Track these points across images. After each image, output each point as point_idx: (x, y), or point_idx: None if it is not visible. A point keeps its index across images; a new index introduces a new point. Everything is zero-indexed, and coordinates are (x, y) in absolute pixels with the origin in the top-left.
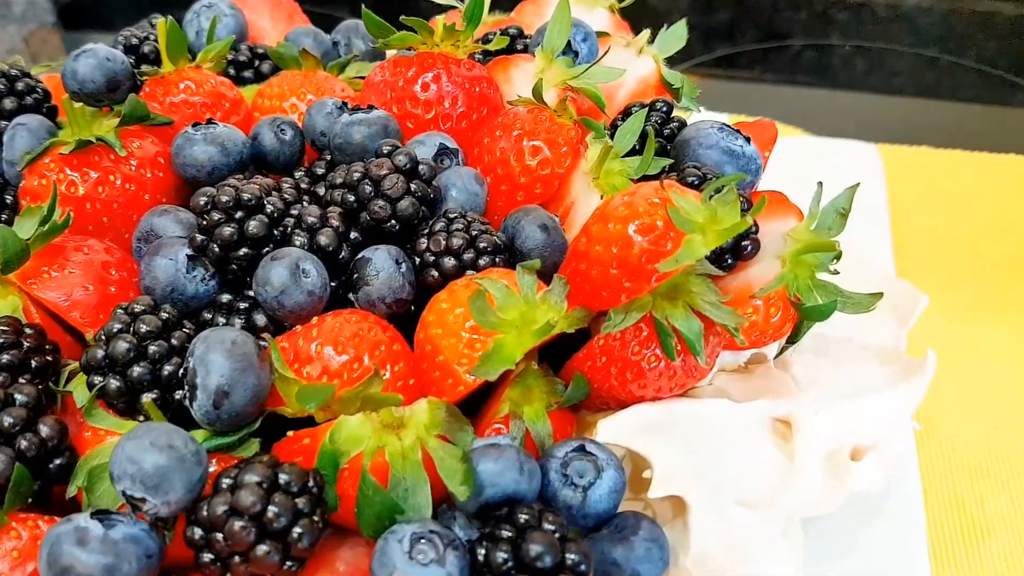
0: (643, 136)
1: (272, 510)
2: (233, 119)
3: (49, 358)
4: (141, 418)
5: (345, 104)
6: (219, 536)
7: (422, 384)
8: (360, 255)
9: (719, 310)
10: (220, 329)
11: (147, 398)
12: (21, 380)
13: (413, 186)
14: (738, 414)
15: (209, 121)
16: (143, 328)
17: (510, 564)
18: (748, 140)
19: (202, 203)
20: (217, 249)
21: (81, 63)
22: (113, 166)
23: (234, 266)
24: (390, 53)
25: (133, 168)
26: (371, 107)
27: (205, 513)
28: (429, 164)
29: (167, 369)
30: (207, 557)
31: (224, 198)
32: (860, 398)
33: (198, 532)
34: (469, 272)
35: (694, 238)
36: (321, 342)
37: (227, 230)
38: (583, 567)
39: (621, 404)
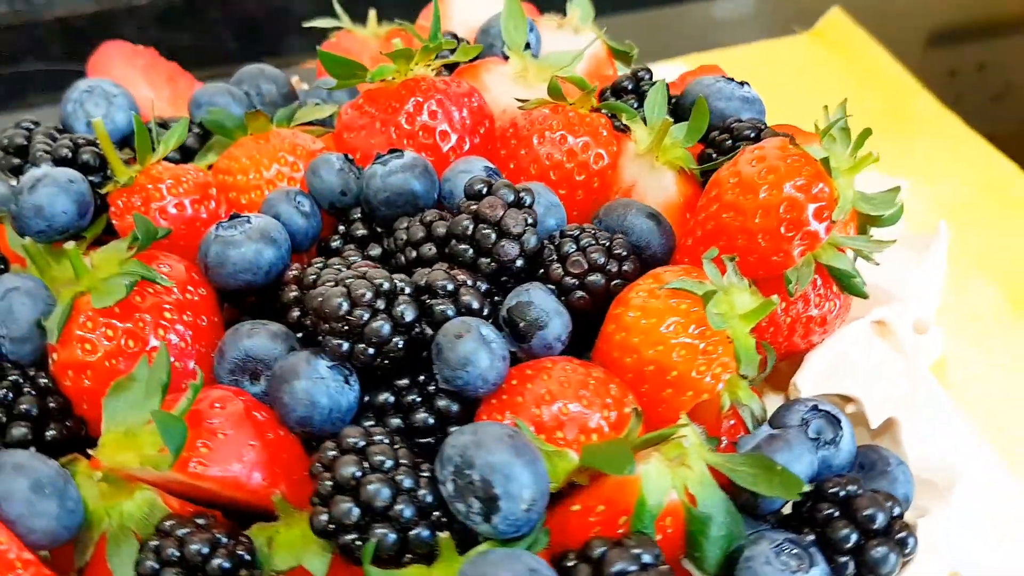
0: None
1: None
2: (222, 209)
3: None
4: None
5: (349, 157)
6: None
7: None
8: (514, 302)
9: (855, 241)
10: (465, 431)
11: (442, 536)
12: None
13: (529, 218)
14: (863, 329)
15: (233, 216)
16: (382, 462)
17: (854, 534)
18: (747, 84)
19: (337, 304)
20: (371, 349)
21: (42, 195)
22: (158, 301)
23: (386, 361)
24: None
25: (180, 297)
26: (397, 151)
27: None
28: (528, 191)
29: (426, 498)
30: None
31: (361, 291)
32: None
33: None
34: (614, 283)
35: (841, 182)
36: (564, 402)
37: (383, 326)
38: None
39: (782, 359)
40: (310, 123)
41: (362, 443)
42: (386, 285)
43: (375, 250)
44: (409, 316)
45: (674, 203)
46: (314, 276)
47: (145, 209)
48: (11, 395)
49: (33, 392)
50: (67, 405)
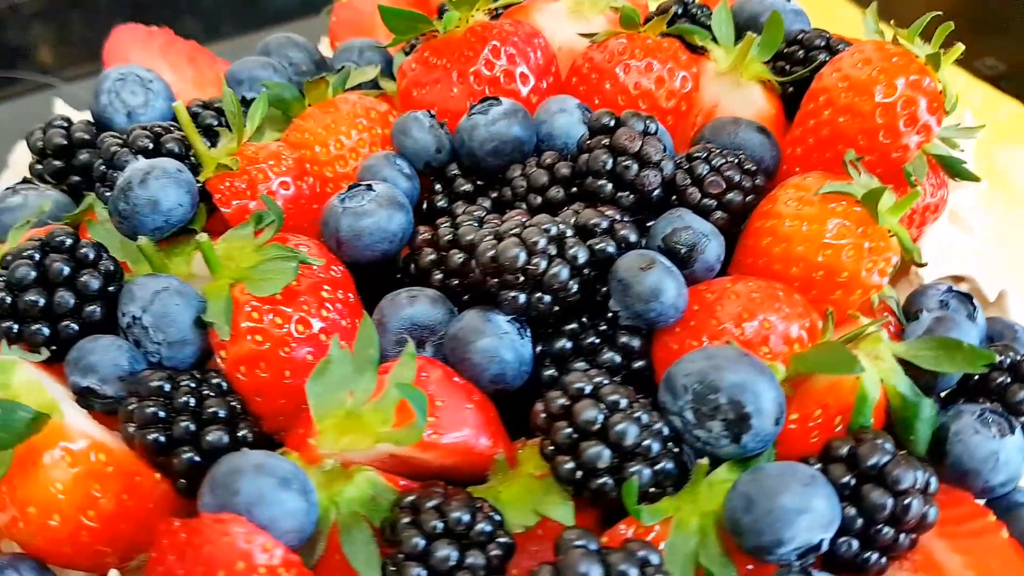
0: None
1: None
2: (315, 181)
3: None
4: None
5: (431, 113)
6: None
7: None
8: (670, 229)
9: (952, 131)
10: (692, 358)
11: (702, 462)
12: None
13: (663, 145)
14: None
15: (351, 187)
16: (617, 402)
17: None
18: None
19: (514, 255)
20: (548, 297)
21: (155, 188)
22: (315, 282)
23: (557, 308)
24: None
25: (327, 276)
26: (492, 99)
27: None
28: (651, 118)
29: (664, 430)
30: None
31: (535, 239)
32: None
33: None
34: (749, 199)
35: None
36: (765, 316)
37: (560, 271)
38: None
39: None
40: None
41: (589, 387)
42: (554, 230)
43: (486, 203)
44: (582, 258)
45: (767, 115)
46: (449, 236)
47: (252, 192)
48: (194, 400)
49: (215, 394)
50: (244, 403)
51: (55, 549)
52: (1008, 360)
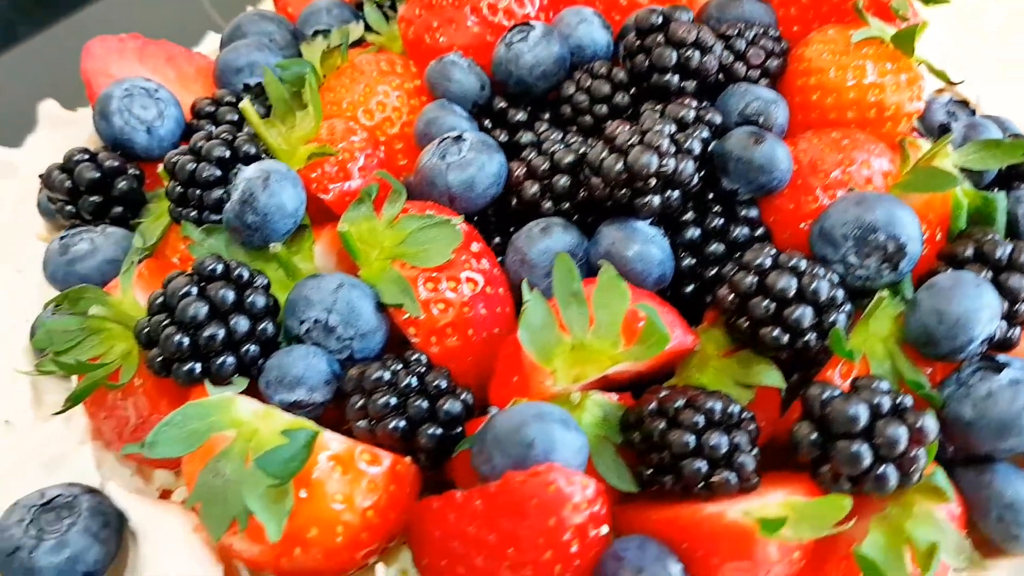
0: None
1: None
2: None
3: None
4: None
5: (460, 54)
6: None
7: None
8: (742, 104)
9: None
10: (842, 207)
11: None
12: None
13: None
14: None
15: (440, 141)
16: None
17: None
18: None
19: (648, 161)
20: (676, 192)
21: (279, 191)
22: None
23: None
24: None
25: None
26: (523, 26)
27: None
28: (683, 8)
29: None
30: None
31: (659, 143)
32: None
33: None
34: (779, 63)
35: None
36: (861, 156)
37: (687, 165)
38: None
39: None
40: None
41: (769, 260)
42: (667, 130)
43: (544, 128)
44: (697, 149)
45: None
46: (546, 165)
47: (344, 174)
48: (416, 380)
49: (426, 369)
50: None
51: (332, 564)
52: None
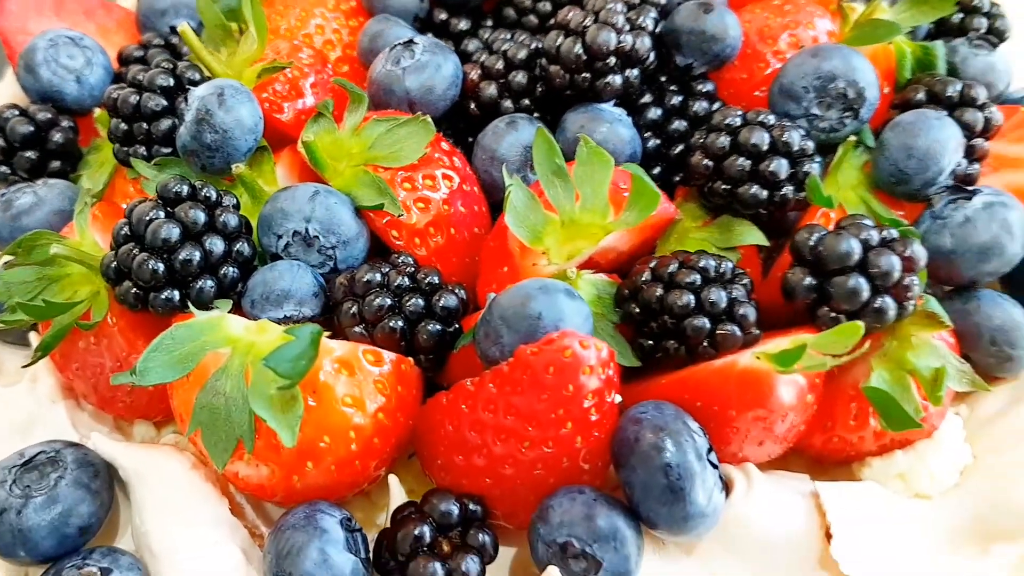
0: None
1: None
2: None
3: None
4: None
5: None
6: None
7: None
8: None
9: None
10: (798, 63)
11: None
12: None
13: None
14: None
15: (393, 47)
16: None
17: None
18: None
19: (606, 38)
20: (636, 71)
21: (236, 106)
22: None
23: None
24: None
25: None
26: None
27: None
28: None
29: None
30: None
31: (614, 19)
32: None
33: None
34: None
35: None
36: (807, 22)
37: (644, 40)
38: None
39: None
40: None
41: (739, 119)
42: (619, 7)
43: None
44: (651, 25)
45: None
46: (501, 64)
47: (296, 91)
48: (407, 279)
49: (414, 268)
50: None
51: (345, 476)
52: None
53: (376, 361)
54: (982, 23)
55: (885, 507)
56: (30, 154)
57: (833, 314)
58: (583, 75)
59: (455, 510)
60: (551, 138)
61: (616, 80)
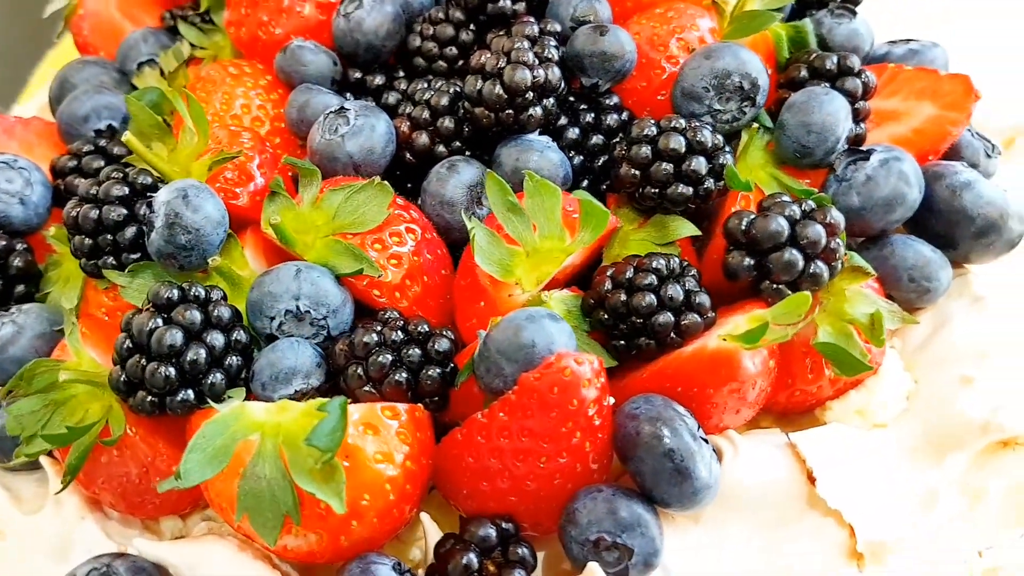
0: None
1: None
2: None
3: None
4: None
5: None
6: None
7: None
8: (574, 6)
9: None
10: (697, 59)
11: None
12: None
13: None
14: None
15: (325, 118)
16: (696, 124)
17: None
18: None
19: (523, 76)
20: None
21: (202, 203)
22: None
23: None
24: None
25: None
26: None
27: None
28: None
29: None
30: None
31: (524, 57)
32: None
33: None
34: None
35: None
36: (689, 24)
37: (555, 71)
38: None
39: None
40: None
41: (654, 129)
42: (525, 45)
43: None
44: (556, 55)
45: None
46: (427, 114)
47: (246, 175)
48: (400, 333)
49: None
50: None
51: (386, 526)
52: None
53: (394, 415)
54: None
55: (852, 442)
56: None
57: (775, 286)
58: (506, 112)
59: (492, 532)
60: (500, 179)
61: (537, 111)
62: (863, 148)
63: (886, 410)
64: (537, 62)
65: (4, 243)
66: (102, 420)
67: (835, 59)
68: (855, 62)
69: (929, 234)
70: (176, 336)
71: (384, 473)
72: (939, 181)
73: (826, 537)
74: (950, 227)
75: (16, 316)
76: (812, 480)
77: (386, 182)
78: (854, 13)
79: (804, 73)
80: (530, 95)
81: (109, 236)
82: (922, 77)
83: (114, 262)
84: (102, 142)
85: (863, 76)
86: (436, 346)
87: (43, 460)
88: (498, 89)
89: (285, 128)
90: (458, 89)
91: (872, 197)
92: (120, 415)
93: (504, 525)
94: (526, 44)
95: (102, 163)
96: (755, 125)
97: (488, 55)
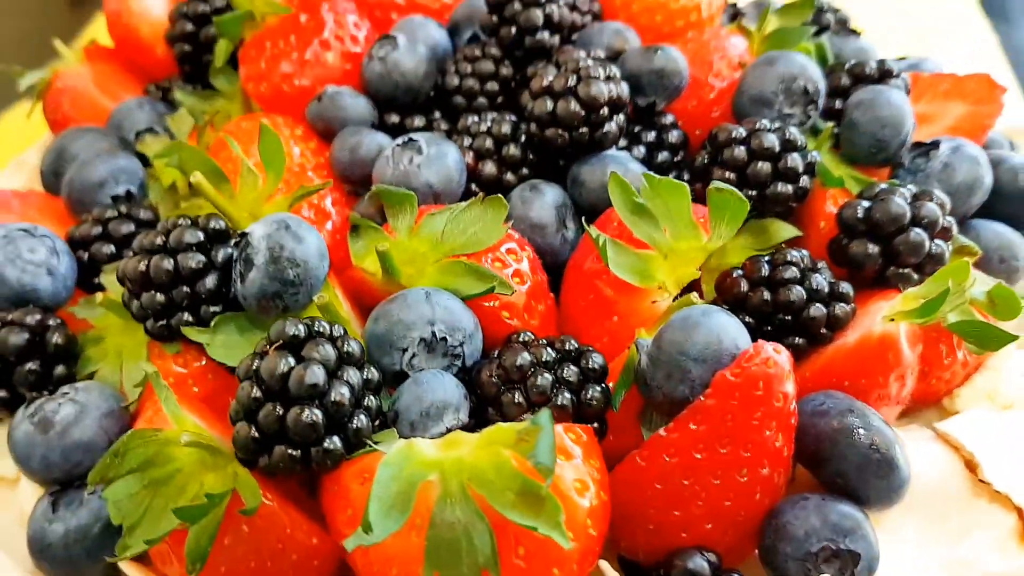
0: None
1: None
2: None
3: None
4: None
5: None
6: None
7: None
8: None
9: None
10: (765, 64)
11: None
12: None
13: None
14: None
15: (394, 149)
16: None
17: None
18: None
19: (599, 90)
20: (623, 115)
21: (304, 234)
22: None
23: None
24: None
25: None
26: (384, 38)
27: None
28: None
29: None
30: None
31: (595, 74)
32: None
33: None
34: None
35: None
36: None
37: (624, 88)
38: None
39: None
40: None
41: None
42: (593, 62)
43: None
44: (619, 73)
45: None
46: (488, 142)
47: (322, 213)
48: (553, 352)
49: (547, 343)
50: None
51: (584, 560)
52: None
53: (577, 438)
54: (831, 18)
55: (999, 425)
56: (31, 365)
57: (902, 270)
58: (581, 129)
59: (705, 565)
60: (623, 179)
61: (613, 126)
62: (926, 141)
63: (1017, 388)
64: (607, 78)
65: (39, 318)
66: (228, 490)
67: (874, 64)
68: (893, 65)
69: (997, 216)
70: (317, 374)
71: (583, 506)
72: (1000, 165)
73: (997, 524)
74: (1018, 207)
75: (75, 395)
76: (972, 468)
77: (499, 195)
78: (857, 32)
79: (846, 80)
80: (605, 110)
81: (186, 288)
82: (943, 80)
83: (191, 318)
84: (123, 208)
85: (902, 77)
86: (591, 363)
87: (125, 567)
88: (573, 106)
89: (325, 177)
90: (514, 118)
91: (952, 183)
92: (250, 482)
93: (710, 556)
94: (591, 61)
95: (132, 228)
96: (829, 124)
97: (551, 77)
